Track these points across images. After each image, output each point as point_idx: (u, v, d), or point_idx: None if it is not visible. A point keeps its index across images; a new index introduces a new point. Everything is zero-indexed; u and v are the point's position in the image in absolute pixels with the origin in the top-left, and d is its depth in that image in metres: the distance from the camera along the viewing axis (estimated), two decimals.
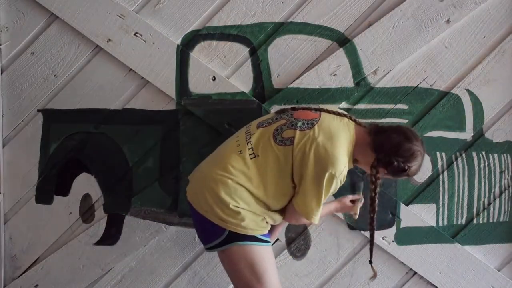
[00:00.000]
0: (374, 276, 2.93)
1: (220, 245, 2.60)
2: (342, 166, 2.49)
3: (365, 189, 2.96)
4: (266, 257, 2.62)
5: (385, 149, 2.52)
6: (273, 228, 2.82)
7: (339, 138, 2.52)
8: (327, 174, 2.47)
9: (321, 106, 2.80)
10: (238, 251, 2.59)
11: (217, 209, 2.55)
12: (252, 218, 2.58)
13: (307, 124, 2.57)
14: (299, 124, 2.57)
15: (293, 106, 2.80)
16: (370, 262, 2.84)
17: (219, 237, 2.58)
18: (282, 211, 2.68)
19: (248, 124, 2.73)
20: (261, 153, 2.56)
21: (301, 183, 2.53)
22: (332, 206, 2.85)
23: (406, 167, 2.52)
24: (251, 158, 2.56)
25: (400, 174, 2.56)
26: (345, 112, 2.73)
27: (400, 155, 2.51)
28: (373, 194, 2.60)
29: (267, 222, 2.65)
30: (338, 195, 2.86)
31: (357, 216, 2.87)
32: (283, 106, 3.02)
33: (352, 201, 2.87)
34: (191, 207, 2.67)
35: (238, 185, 2.54)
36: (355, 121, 2.65)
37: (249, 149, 2.58)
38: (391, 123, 3.08)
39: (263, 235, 2.63)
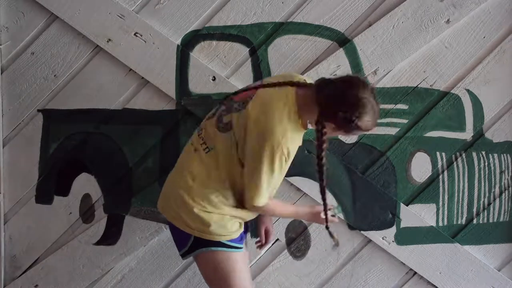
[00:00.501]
0: (336, 244, 2.91)
1: (188, 252, 2.55)
2: (280, 136, 2.29)
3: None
4: (233, 263, 2.52)
5: (329, 101, 2.29)
6: (267, 229, 2.79)
7: (272, 108, 2.33)
8: (266, 149, 2.30)
9: (265, 79, 2.65)
10: (205, 258, 2.54)
11: (182, 214, 2.51)
12: (220, 223, 2.49)
13: (243, 103, 2.42)
14: (235, 106, 2.44)
15: (235, 91, 2.61)
16: (327, 227, 2.62)
17: (187, 243, 2.54)
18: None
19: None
20: (213, 146, 2.46)
21: (246, 166, 2.39)
22: (303, 211, 2.67)
23: (354, 118, 2.25)
24: (206, 153, 2.47)
25: (349, 127, 2.30)
26: (286, 74, 2.57)
27: (344, 105, 2.26)
28: (319, 153, 2.33)
29: (239, 224, 2.55)
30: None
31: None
32: None
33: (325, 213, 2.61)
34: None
35: (201, 186, 2.47)
36: (298, 84, 2.41)
37: (201, 144, 2.50)
38: (391, 123, 3.09)
39: (230, 241, 2.52)
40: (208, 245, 2.51)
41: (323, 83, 2.36)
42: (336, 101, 2.28)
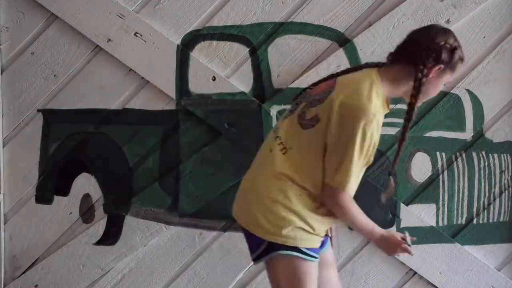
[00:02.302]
0: (390, 190, 2.80)
1: (261, 256, 2.33)
2: (370, 114, 2.17)
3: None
4: (304, 271, 2.31)
5: (422, 47, 2.23)
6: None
7: (359, 87, 2.23)
8: (358, 129, 2.16)
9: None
10: (278, 261, 2.31)
11: (259, 218, 2.30)
12: (295, 225, 2.27)
13: (324, 94, 2.28)
14: (317, 97, 2.29)
15: (308, 86, 2.46)
16: (389, 174, 2.64)
17: (259, 246, 2.32)
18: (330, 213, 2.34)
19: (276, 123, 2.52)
20: (294, 145, 2.29)
21: (331, 151, 2.22)
22: (379, 229, 2.39)
23: (455, 45, 2.25)
24: (283, 154, 2.29)
25: (455, 59, 2.25)
26: (363, 64, 2.50)
27: (440, 39, 2.23)
28: (414, 103, 2.25)
29: (317, 234, 2.32)
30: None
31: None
32: (283, 107, 3.01)
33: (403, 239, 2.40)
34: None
35: (275, 190, 2.28)
36: (377, 64, 2.37)
37: (278, 144, 2.31)
38: (391, 123, 3.09)
39: (308, 248, 2.30)
40: (285, 249, 2.29)
41: (397, 50, 2.33)
42: (431, 41, 2.24)
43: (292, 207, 2.26)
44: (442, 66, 2.24)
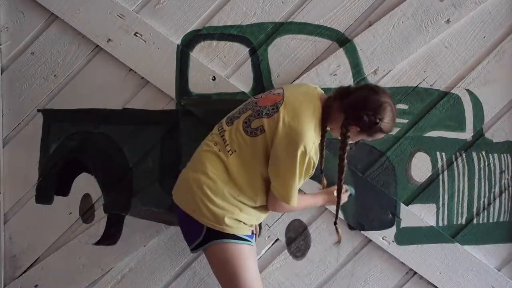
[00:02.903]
0: (339, 241, 3.05)
1: (200, 245, 2.64)
2: (311, 142, 2.51)
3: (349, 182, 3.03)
4: (244, 256, 2.63)
5: (353, 106, 2.52)
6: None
7: (303, 113, 2.53)
8: (299, 152, 2.48)
9: (285, 86, 2.80)
10: (216, 250, 2.62)
11: (201, 206, 2.59)
12: (235, 217, 2.61)
13: (272, 109, 2.59)
14: (265, 111, 2.60)
15: (255, 95, 2.82)
16: (335, 223, 2.86)
17: (200, 235, 2.62)
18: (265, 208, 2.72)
19: (219, 123, 2.76)
20: (237, 148, 2.59)
21: (275, 166, 2.55)
22: (319, 197, 2.89)
23: (377, 120, 2.50)
24: (230, 155, 2.60)
25: (373, 129, 2.54)
26: (311, 86, 2.75)
27: (368, 108, 2.50)
28: (342, 152, 2.59)
29: (250, 225, 2.69)
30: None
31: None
32: None
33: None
34: (177, 209, 2.71)
35: (222, 183, 2.59)
36: (320, 93, 2.68)
37: (226, 145, 2.62)
38: None
39: (244, 235, 2.66)
40: (221, 237, 2.60)
41: (344, 92, 2.59)
42: (360, 105, 2.51)
43: (230, 201, 2.59)
44: (358, 130, 2.55)
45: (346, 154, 2.60)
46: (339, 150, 2.60)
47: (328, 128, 2.64)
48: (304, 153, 2.50)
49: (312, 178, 2.79)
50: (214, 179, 2.60)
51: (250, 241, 2.69)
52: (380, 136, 2.63)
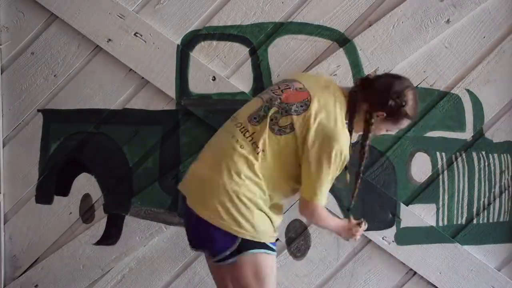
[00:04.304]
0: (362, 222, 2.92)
1: (232, 255, 2.45)
2: (345, 139, 2.44)
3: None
4: (272, 265, 2.53)
5: (378, 92, 2.48)
6: None
7: (335, 112, 2.46)
8: (334, 153, 2.40)
9: (298, 76, 2.66)
10: (249, 260, 2.46)
11: (233, 214, 2.41)
12: (266, 225, 2.47)
13: (301, 106, 2.47)
14: (293, 108, 2.46)
15: (271, 88, 2.63)
16: (348, 209, 2.79)
17: (230, 246, 2.44)
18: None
19: (234, 119, 2.56)
20: (264, 148, 2.44)
21: (306, 167, 2.44)
22: (340, 223, 2.71)
23: (403, 103, 2.46)
24: (258, 155, 2.43)
25: (399, 115, 2.49)
26: (326, 78, 2.70)
27: (393, 92, 2.46)
28: (363, 143, 2.54)
29: (274, 230, 2.55)
30: None
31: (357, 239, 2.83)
32: None
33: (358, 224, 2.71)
34: (189, 214, 2.50)
35: (249, 190, 2.42)
36: (339, 86, 2.60)
37: (253, 145, 2.45)
38: None
39: (272, 243, 2.52)
40: (256, 247, 2.46)
41: (365, 82, 2.55)
42: (385, 90, 2.47)
43: (264, 207, 2.46)
44: (384, 116, 2.49)
45: (368, 142, 2.53)
46: (361, 138, 2.54)
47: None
48: (340, 154, 2.42)
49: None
50: (246, 183, 2.42)
51: (275, 251, 2.56)
52: (405, 123, 2.57)
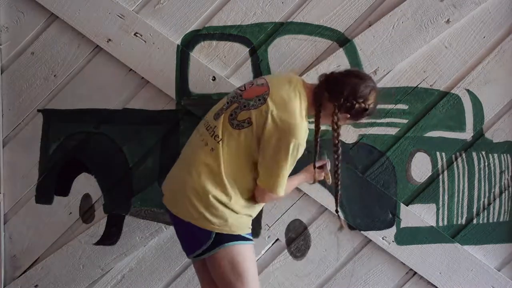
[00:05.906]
0: (341, 227, 3.07)
1: (207, 250, 2.59)
2: (303, 132, 2.53)
3: (329, 155, 2.92)
4: (248, 256, 2.63)
5: (343, 95, 2.55)
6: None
7: (293, 105, 2.54)
8: (291, 145, 2.50)
9: (266, 77, 2.74)
10: (225, 253, 2.59)
11: (202, 211, 2.55)
12: (235, 218, 2.59)
13: (259, 100, 2.58)
14: (251, 103, 2.58)
15: (239, 87, 2.75)
16: (337, 211, 2.82)
17: (206, 241, 2.58)
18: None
19: (204, 119, 2.72)
20: (227, 142, 2.57)
21: (264, 159, 2.55)
22: (300, 177, 2.86)
23: (367, 106, 2.58)
24: (222, 149, 2.56)
25: (362, 115, 2.61)
26: (291, 75, 2.74)
27: (359, 97, 2.55)
28: (336, 142, 2.62)
29: (249, 216, 2.67)
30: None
31: (330, 181, 2.86)
32: None
33: (320, 167, 2.87)
34: (173, 218, 2.67)
35: (216, 179, 2.56)
36: (302, 80, 2.68)
37: (217, 141, 2.58)
38: (391, 123, 3.09)
39: (248, 234, 2.65)
40: (230, 240, 2.59)
41: (328, 81, 2.61)
42: (352, 95, 2.55)
43: (229, 197, 2.57)
44: (348, 116, 2.60)
45: (339, 143, 2.62)
46: (333, 139, 2.62)
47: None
48: (298, 146, 2.52)
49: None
50: (207, 174, 2.55)
51: (252, 240, 2.68)
52: (364, 118, 2.68)
